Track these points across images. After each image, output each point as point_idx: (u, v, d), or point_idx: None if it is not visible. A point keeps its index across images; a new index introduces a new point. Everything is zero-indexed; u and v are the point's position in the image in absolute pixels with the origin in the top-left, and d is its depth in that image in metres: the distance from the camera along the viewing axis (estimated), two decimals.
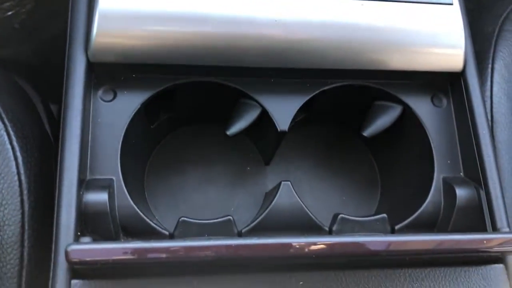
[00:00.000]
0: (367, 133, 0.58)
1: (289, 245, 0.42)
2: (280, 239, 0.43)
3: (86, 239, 0.43)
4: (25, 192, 0.53)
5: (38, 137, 0.60)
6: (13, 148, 0.55)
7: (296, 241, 0.42)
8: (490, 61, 0.66)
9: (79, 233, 0.46)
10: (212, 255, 0.42)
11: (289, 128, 0.55)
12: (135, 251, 0.41)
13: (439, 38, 0.55)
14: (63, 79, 0.52)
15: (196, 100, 0.58)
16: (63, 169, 0.47)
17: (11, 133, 0.55)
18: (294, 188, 0.53)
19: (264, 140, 0.61)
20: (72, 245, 0.40)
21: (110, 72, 0.52)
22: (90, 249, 0.41)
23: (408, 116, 0.58)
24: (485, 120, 0.56)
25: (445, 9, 0.55)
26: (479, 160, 0.54)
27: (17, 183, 0.53)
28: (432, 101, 0.58)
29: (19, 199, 0.52)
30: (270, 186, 0.62)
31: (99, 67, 0.52)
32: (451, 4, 0.55)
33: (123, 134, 0.51)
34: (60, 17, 0.60)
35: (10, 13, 0.84)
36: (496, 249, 0.46)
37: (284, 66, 0.54)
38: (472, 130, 0.55)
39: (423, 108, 0.57)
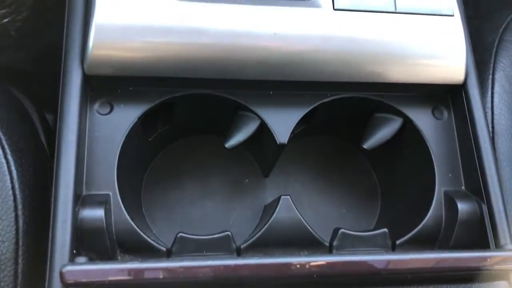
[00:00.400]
0: (367, 145, 0.58)
1: (289, 265, 0.41)
2: (279, 258, 0.42)
3: (82, 259, 0.42)
4: (19, 207, 0.52)
5: (33, 149, 0.59)
6: (7, 162, 0.54)
7: (296, 260, 0.42)
8: (491, 71, 0.65)
9: (74, 251, 0.45)
10: (210, 275, 0.41)
11: (288, 140, 0.54)
12: (131, 271, 0.40)
13: (440, 50, 0.54)
14: (58, 89, 0.51)
15: (194, 112, 0.57)
16: (59, 185, 0.47)
17: (6, 146, 0.54)
18: (294, 202, 0.52)
19: (263, 153, 0.60)
20: (67, 266, 0.39)
21: (107, 85, 0.52)
22: (85, 270, 0.40)
23: (408, 129, 0.57)
24: (487, 133, 0.55)
25: (446, 20, 0.54)
26: (481, 173, 0.53)
27: (11, 198, 0.52)
28: (432, 113, 0.57)
29: (13, 214, 0.51)
30: (269, 198, 0.62)
31: (95, 80, 0.51)
32: (452, 15, 0.55)
33: (119, 148, 0.51)
34: (56, 25, 0.60)
35: (6, 20, 0.83)
36: (499, 267, 0.45)
37: (283, 79, 0.53)
38: (474, 143, 0.55)
39: (424, 121, 0.57)
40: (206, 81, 0.53)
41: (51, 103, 0.73)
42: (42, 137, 0.66)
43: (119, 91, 0.52)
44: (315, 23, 0.52)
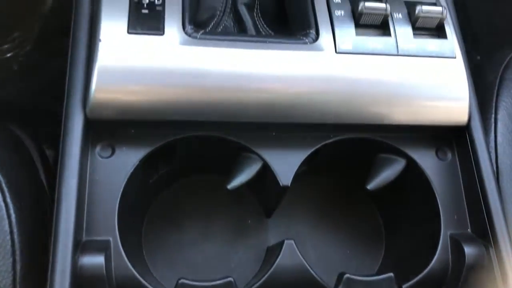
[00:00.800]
0: (371, 186, 0.57)
1: None
2: None
3: None
4: (17, 252, 0.51)
5: (33, 191, 0.58)
6: (6, 205, 0.53)
7: None
8: (493, 110, 0.65)
9: None
10: None
11: (291, 182, 0.53)
12: None
13: (442, 92, 0.54)
14: (60, 129, 0.51)
15: (196, 154, 0.57)
16: (58, 232, 0.46)
17: (5, 189, 0.54)
18: (297, 245, 0.51)
19: (265, 194, 0.59)
20: None
21: (109, 128, 0.51)
22: None
23: (412, 170, 0.57)
24: (492, 174, 0.54)
25: (448, 62, 0.55)
26: (487, 216, 0.53)
27: (9, 242, 0.51)
28: (436, 154, 0.57)
29: (11, 259, 0.50)
30: (272, 240, 0.61)
31: (97, 123, 0.50)
32: (454, 57, 0.55)
33: (121, 192, 0.50)
34: (58, 59, 0.60)
35: (9, 54, 0.84)
36: None
37: (286, 121, 0.53)
38: (479, 185, 0.54)
39: (428, 162, 0.56)
40: (208, 123, 0.52)
41: (51, 139, 0.72)
42: (42, 177, 0.65)
43: (120, 134, 0.52)
44: (318, 66, 0.52)
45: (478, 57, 0.93)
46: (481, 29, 0.93)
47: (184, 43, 0.50)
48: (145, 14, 0.51)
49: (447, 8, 0.55)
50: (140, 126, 0.52)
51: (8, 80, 0.85)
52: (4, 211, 0.52)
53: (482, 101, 0.65)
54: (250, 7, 0.58)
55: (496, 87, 0.67)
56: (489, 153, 0.56)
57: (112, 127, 0.51)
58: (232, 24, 0.58)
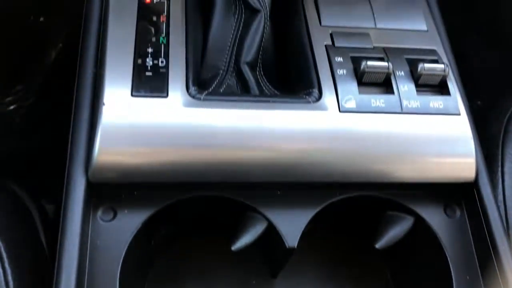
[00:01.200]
0: (379, 245, 0.55)
1: None
2: None
3: None
4: None
5: (32, 254, 0.57)
6: (4, 271, 0.51)
7: None
8: (499, 164, 0.64)
9: None
10: None
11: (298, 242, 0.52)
12: None
13: (448, 149, 0.54)
14: (59, 179, 0.50)
15: (200, 213, 0.56)
16: None
17: (4, 254, 0.52)
18: None
19: (271, 254, 0.58)
20: None
21: (111, 191, 0.50)
22: None
23: (421, 227, 0.55)
24: (503, 231, 0.53)
25: (453, 120, 0.54)
26: (501, 276, 0.51)
27: None
28: (445, 211, 0.56)
29: None
30: None
31: (99, 186, 0.50)
32: (459, 114, 0.55)
33: (122, 256, 0.48)
34: (61, 112, 0.60)
35: (12, 107, 0.84)
36: None
37: (291, 180, 0.52)
38: (490, 243, 0.53)
39: (436, 219, 0.55)
40: (212, 184, 0.52)
41: (51, 194, 0.71)
42: (42, 237, 0.63)
43: (122, 196, 0.51)
44: (322, 126, 0.52)
45: (479, 102, 0.93)
46: (482, 75, 0.94)
47: (188, 105, 0.50)
48: (148, 76, 0.51)
49: (449, 65, 0.55)
50: (143, 188, 0.51)
51: (10, 134, 0.85)
52: (2, 277, 0.51)
53: (487, 154, 0.64)
54: (252, 66, 0.59)
55: (501, 140, 0.66)
56: (498, 209, 0.54)
57: (114, 190, 0.50)
58: (235, 83, 0.58)
